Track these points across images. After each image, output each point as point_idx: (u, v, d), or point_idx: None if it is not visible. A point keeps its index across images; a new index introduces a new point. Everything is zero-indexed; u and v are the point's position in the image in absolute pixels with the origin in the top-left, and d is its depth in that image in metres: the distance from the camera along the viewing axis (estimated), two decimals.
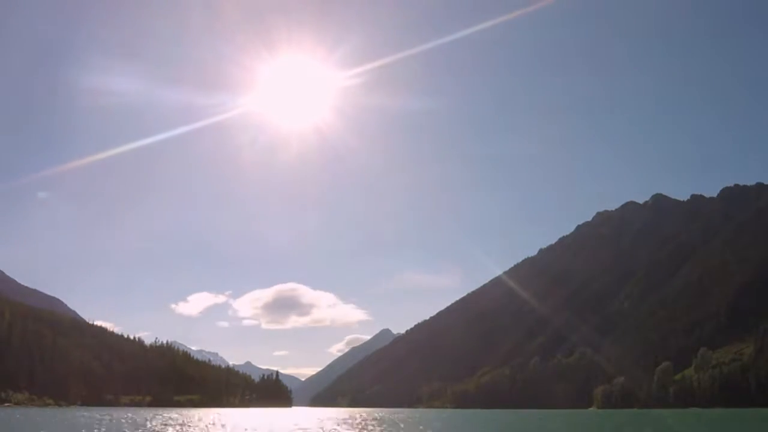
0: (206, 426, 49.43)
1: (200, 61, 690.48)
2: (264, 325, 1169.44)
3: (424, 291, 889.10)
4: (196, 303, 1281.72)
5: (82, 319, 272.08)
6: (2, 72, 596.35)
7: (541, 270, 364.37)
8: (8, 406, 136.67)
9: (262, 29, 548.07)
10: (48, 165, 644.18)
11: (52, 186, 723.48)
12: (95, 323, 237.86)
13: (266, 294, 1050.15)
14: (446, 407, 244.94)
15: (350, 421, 65.80)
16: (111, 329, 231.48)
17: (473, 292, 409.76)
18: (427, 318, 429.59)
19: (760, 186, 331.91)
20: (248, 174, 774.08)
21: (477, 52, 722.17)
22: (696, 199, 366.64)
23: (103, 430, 42.48)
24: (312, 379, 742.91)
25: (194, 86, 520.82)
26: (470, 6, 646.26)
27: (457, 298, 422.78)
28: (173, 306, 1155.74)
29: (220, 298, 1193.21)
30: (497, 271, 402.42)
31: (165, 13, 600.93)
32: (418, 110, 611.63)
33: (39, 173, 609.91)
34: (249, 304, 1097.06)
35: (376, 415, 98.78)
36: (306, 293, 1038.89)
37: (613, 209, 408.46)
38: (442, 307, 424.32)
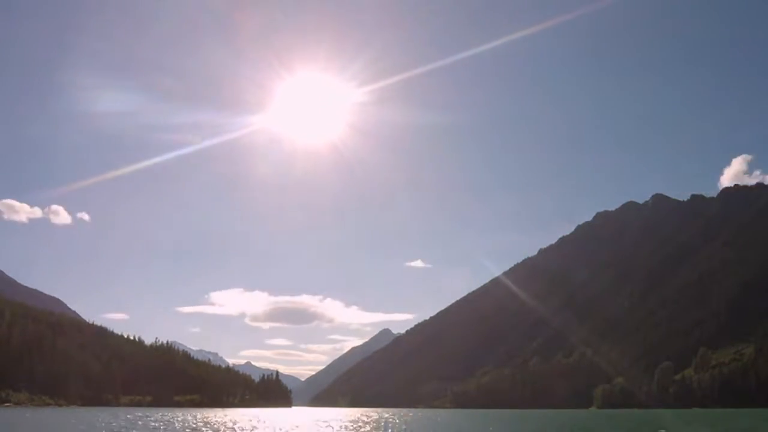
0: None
1: (218, 79, 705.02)
2: (265, 326, 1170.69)
3: (424, 291, 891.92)
4: (200, 305, 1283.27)
5: (82, 319, 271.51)
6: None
7: (541, 270, 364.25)
8: (8, 406, 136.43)
9: (277, 46, 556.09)
10: (64, 182, 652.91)
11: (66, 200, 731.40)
12: (98, 323, 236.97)
13: (269, 295, 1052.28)
14: (446, 407, 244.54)
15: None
16: (113, 330, 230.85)
17: (473, 293, 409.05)
18: (427, 318, 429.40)
19: (760, 186, 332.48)
20: (264, 187, 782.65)
21: (485, 68, 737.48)
22: (696, 199, 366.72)
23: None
24: (312, 379, 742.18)
25: (214, 104, 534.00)
26: (480, 24, 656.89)
27: (458, 299, 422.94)
28: (177, 309, 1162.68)
29: (224, 300, 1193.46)
30: (497, 272, 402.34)
31: (182, 32, 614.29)
32: (429, 124, 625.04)
33: (56, 189, 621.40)
34: (251, 305, 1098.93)
35: (387, 415, 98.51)
36: (308, 295, 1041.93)
37: (613, 209, 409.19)
38: (443, 308, 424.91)
